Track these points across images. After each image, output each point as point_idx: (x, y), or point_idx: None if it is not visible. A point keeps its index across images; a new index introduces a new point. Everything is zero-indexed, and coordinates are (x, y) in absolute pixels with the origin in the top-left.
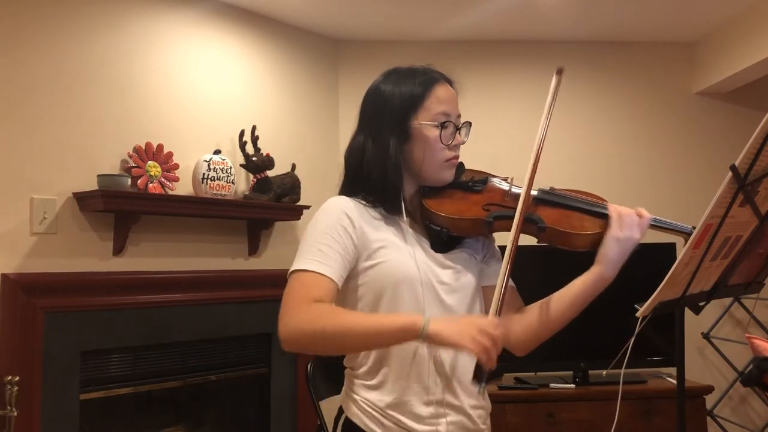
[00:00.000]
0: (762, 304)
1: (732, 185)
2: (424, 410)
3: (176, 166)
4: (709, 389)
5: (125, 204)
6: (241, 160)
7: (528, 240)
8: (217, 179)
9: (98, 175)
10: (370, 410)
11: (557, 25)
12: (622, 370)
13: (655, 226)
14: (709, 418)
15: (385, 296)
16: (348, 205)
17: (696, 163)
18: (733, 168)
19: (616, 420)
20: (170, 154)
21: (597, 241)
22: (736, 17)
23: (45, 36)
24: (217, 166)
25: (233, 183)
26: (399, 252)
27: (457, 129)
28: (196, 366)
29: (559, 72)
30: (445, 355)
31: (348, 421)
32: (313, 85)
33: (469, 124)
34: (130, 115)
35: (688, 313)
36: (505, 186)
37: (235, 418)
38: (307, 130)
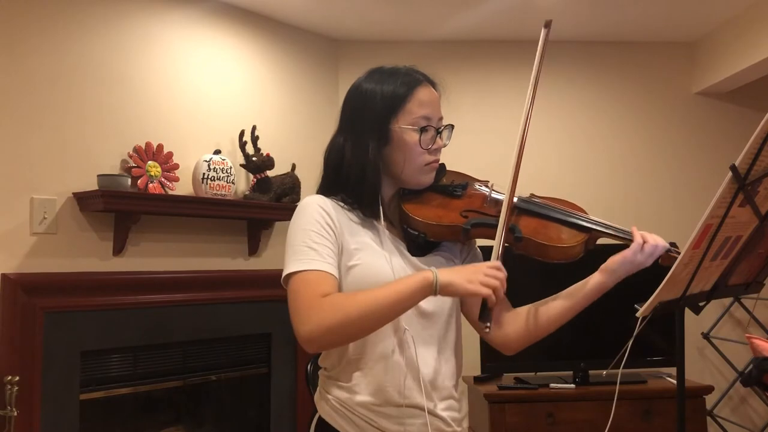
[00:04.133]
0: (762, 304)
1: (732, 185)
2: (397, 411)
3: (176, 166)
4: (709, 389)
5: (125, 204)
6: (241, 160)
7: None
8: (217, 179)
9: (98, 175)
10: (342, 409)
11: (557, 25)
12: (620, 371)
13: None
14: (709, 418)
15: None
16: (326, 202)
17: (696, 163)
18: (733, 168)
19: (610, 420)
20: (170, 154)
21: (572, 254)
22: (736, 17)
23: (45, 36)
24: (217, 166)
25: (233, 183)
26: (375, 256)
27: (438, 132)
28: (196, 366)
29: (548, 25)
30: (419, 357)
31: (321, 420)
32: (313, 85)
33: (452, 126)
34: (130, 115)
35: (688, 313)
36: (485, 191)
37: (235, 418)
38: (307, 130)
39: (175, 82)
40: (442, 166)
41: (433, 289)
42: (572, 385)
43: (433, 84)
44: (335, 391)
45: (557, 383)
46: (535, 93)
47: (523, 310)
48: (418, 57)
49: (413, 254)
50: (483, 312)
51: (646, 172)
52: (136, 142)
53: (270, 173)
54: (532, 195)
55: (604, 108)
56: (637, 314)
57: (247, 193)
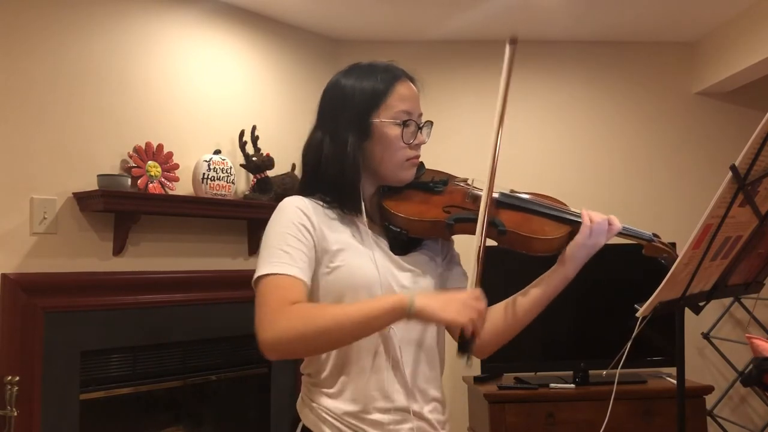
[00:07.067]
0: (762, 304)
1: (732, 185)
2: (384, 417)
3: (176, 166)
4: (709, 389)
5: (125, 204)
6: (241, 160)
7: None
8: (217, 179)
9: (98, 175)
10: (327, 417)
11: (557, 25)
12: (618, 371)
13: (622, 234)
14: (709, 418)
15: (345, 301)
16: (305, 204)
17: (696, 163)
18: (733, 168)
19: (606, 421)
20: (170, 154)
21: (557, 246)
22: (736, 17)
23: (45, 35)
24: (217, 166)
25: (233, 183)
26: (358, 255)
27: (419, 128)
28: (196, 366)
29: (513, 42)
30: (403, 357)
31: (305, 429)
32: (313, 85)
33: (431, 123)
34: (130, 115)
35: (688, 313)
36: (465, 187)
37: (235, 418)
38: (307, 130)
39: (175, 82)
40: (421, 164)
41: (406, 312)
42: (572, 385)
43: (412, 80)
44: (320, 398)
45: (557, 383)
46: (505, 106)
47: (497, 308)
48: (418, 57)
49: (396, 253)
50: (461, 344)
51: (646, 172)
52: (136, 142)
53: (270, 173)
54: (512, 191)
55: (604, 108)
56: (637, 314)
57: (247, 193)
